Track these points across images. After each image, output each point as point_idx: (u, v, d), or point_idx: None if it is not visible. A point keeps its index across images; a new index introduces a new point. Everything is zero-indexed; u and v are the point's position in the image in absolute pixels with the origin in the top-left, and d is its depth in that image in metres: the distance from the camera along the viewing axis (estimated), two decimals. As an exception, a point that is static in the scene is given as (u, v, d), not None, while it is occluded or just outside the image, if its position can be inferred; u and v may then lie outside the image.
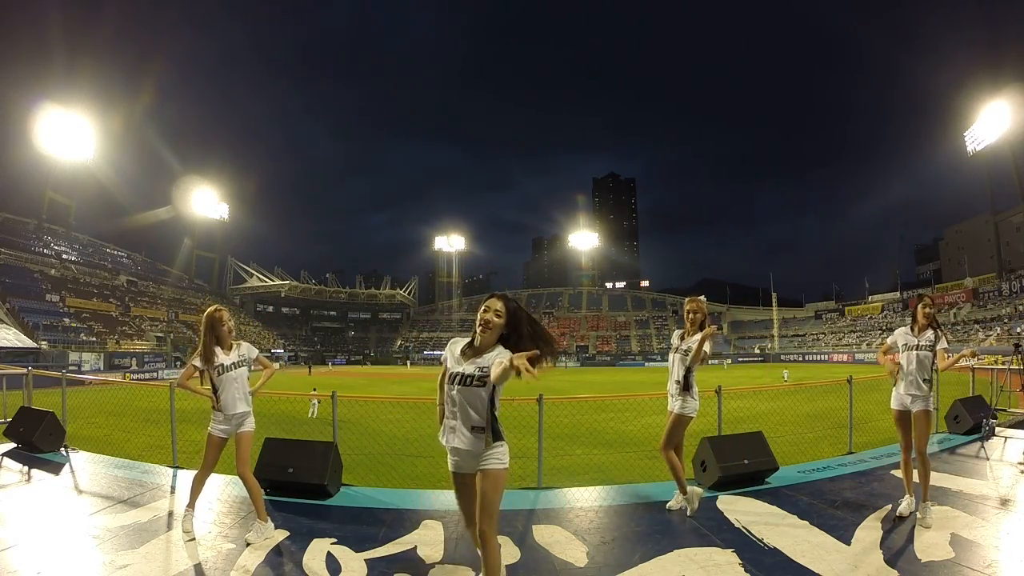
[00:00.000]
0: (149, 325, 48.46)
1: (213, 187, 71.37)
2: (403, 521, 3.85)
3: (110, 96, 78.99)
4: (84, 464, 5.45)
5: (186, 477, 5.00)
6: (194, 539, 3.41)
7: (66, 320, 39.03)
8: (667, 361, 4.16)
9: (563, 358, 63.85)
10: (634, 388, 21.94)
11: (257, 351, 3.79)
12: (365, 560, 3.15)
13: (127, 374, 32.56)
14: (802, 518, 3.78)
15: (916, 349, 3.81)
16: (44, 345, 32.86)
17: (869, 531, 3.53)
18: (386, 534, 3.58)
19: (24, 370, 7.09)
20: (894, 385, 3.91)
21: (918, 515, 3.65)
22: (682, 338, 4.04)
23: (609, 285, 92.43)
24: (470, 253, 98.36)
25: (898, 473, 4.17)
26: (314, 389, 16.56)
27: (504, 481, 2.39)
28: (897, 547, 3.26)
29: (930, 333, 3.82)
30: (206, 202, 70.28)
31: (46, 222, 53.15)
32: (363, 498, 4.42)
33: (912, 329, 3.90)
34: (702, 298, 4.06)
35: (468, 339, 2.51)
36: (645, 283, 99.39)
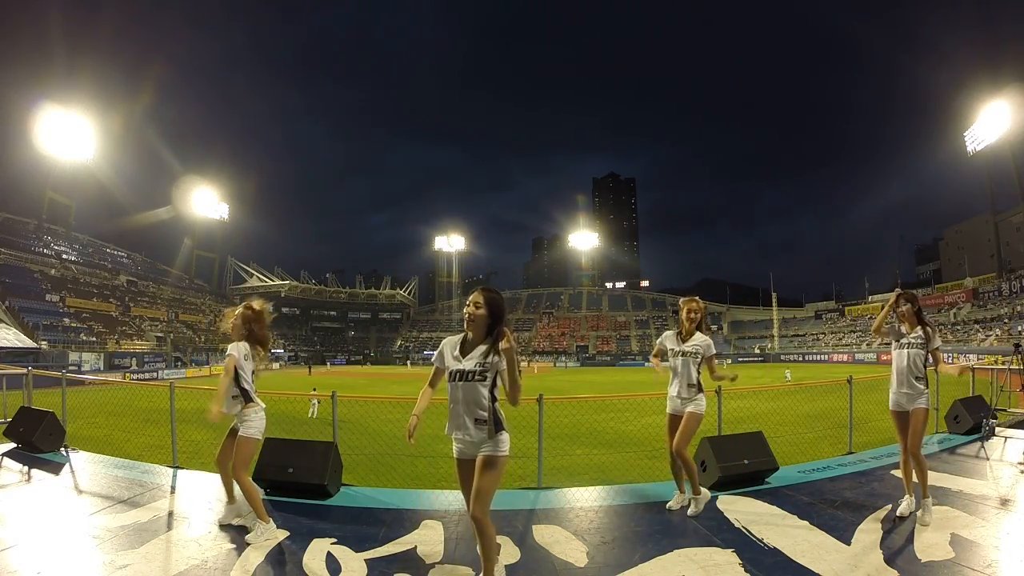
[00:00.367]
0: (149, 325, 48.45)
1: (213, 187, 71.41)
2: (403, 521, 3.85)
3: (110, 96, 79.10)
4: (84, 464, 5.44)
5: (186, 477, 5.00)
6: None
7: (66, 320, 39.03)
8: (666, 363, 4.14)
9: (563, 358, 63.99)
10: (634, 388, 21.92)
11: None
12: (365, 560, 3.16)
13: (127, 374, 32.65)
14: (802, 518, 3.79)
15: (907, 347, 3.82)
16: (44, 345, 32.86)
17: (869, 531, 3.52)
18: (386, 534, 3.58)
19: (24, 370, 7.07)
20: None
21: (917, 513, 3.66)
22: (680, 339, 4.03)
23: (609, 285, 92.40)
24: (470, 253, 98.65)
25: (898, 473, 4.17)
26: (314, 389, 16.57)
27: (502, 468, 2.56)
28: (897, 547, 3.26)
29: (920, 330, 3.84)
30: (206, 202, 70.29)
31: (46, 222, 53.12)
32: (363, 498, 4.42)
33: (900, 328, 3.92)
34: (697, 298, 4.11)
35: (461, 337, 2.65)
36: (645, 283, 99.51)
